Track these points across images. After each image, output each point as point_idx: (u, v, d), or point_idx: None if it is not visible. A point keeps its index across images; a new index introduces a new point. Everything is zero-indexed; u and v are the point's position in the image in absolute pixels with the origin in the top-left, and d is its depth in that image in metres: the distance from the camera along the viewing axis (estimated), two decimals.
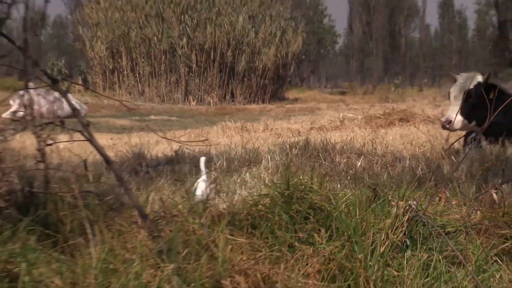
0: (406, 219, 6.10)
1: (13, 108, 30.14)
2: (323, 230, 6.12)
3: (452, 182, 8.35)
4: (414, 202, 6.35)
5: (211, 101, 50.23)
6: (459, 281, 5.74)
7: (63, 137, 6.00)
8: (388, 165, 10.65)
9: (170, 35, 51.90)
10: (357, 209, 6.23)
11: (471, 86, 12.14)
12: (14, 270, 5.19)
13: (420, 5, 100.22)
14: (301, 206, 6.43)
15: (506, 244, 6.30)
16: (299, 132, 19.95)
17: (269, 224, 6.34)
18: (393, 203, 6.43)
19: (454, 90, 12.30)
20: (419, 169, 9.94)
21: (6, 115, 29.36)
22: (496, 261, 6.14)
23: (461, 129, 12.32)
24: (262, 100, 51.93)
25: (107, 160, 6.00)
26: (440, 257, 5.92)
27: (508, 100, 8.15)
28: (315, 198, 6.46)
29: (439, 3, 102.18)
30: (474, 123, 12.14)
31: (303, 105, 47.29)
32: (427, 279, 5.73)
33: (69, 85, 6.07)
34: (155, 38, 51.84)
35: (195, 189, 8.35)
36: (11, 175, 5.68)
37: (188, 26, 51.94)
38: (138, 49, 51.93)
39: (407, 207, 6.22)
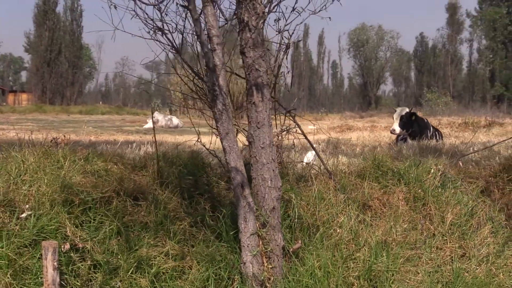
0: (439, 174, 6.31)
1: (150, 123, 30.19)
2: (398, 179, 6.30)
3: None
4: (440, 167, 6.44)
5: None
6: (469, 201, 5.97)
7: None
8: (372, 150, 10.67)
9: None
10: (415, 169, 6.41)
11: (403, 113, 12.52)
12: (285, 198, 5.36)
13: (325, 76, 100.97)
14: (383, 169, 6.48)
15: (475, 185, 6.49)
16: None
17: (373, 176, 6.37)
18: (432, 166, 6.44)
19: (396, 115, 12.71)
20: (391, 152, 9.77)
21: (146, 126, 29.45)
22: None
23: (398, 134, 12.64)
24: None
25: (311, 144, 6.12)
26: (458, 190, 6.17)
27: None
28: (389, 165, 6.55)
29: (332, 74, 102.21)
30: (404, 131, 12.48)
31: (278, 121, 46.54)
32: (455, 201, 5.94)
33: (295, 114, 6.08)
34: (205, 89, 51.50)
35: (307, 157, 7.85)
36: (284, 154, 5.82)
37: None
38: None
39: (438, 168, 6.39)
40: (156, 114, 31.86)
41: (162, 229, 5.19)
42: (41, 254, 4.61)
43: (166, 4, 4.83)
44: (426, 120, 13.61)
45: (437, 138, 13.01)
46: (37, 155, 5.78)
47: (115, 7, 4.89)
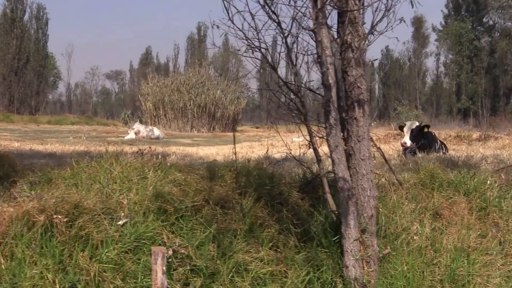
0: (497, 185, 6.76)
1: (132, 134, 30.18)
2: (456, 189, 6.75)
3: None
4: (496, 178, 6.86)
5: (204, 131, 50.39)
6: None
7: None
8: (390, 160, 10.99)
9: (184, 99, 51.96)
10: (470, 180, 6.84)
11: (414, 127, 13.08)
12: None
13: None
14: (438, 180, 6.88)
15: None
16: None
17: (431, 187, 6.78)
18: (488, 178, 6.87)
19: (406, 128, 13.24)
20: (410, 164, 10.15)
21: (128, 137, 29.39)
22: None
23: (409, 146, 13.13)
24: (229, 131, 52.13)
25: (384, 157, 6.50)
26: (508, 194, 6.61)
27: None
28: (443, 177, 6.99)
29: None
30: (414, 143, 13.00)
31: (249, 133, 47.24)
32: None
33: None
34: (176, 100, 51.80)
35: None
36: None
37: (193, 95, 52.11)
38: (168, 106, 51.87)
39: (494, 179, 6.83)
40: (137, 125, 31.91)
41: (252, 236, 5.51)
42: (143, 260, 4.93)
43: (264, 24, 5.23)
44: (433, 133, 14.21)
45: (444, 151, 13.59)
46: (125, 165, 6.07)
47: (218, 27, 5.29)
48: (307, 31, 5.13)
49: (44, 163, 8.41)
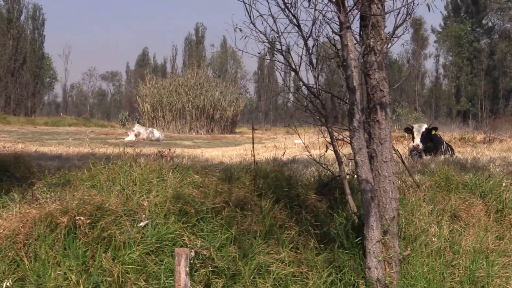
0: None
1: (132, 136, 30.21)
2: (472, 192, 6.83)
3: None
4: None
5: (202, 133, 50.35)
6: None
7: None
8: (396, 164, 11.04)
9: (182, 100, 51.84)
10: (485, 183, 6.92)
11: (423, 129, 13.16)
12: None
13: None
14: (453, 182, 6.96)
15: None
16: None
17: (447, 189, 6.84)
18: (503, 180, 6.96)
19: (416, 131, 13.26)
20: (418, 165, 10.24)
21: (128, 139, 29.42)
22: None
23: (421, 149, 13.21)
24: (227, 132, 52.11)
25: (402, 161, 6.58)
26: None
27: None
28: (458, 179, 7.08)
29: (294, 87, 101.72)
30: (423, 146, 13.09)
31: (248, 135, 47.26)
32: None
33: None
34: (175, 102, 51.69)
35: None
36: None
37: (191, 96, 52.00)
38: (166, 107, 51.77)
39: (509, 181, 6.91)
40: (137, 126, 31.96)
41: (272, 238, 5.58)
42: (166, 261, 5.00)
43: (285, 28, 5.33)
44: (439, 136, 14.30)
45: (450, 153, 13.68)
46: (144, 167, 6.14)
47: (240, 30, 5.38)
48: (328, 35, 5.26)
49: (55, 165, 8.48)
